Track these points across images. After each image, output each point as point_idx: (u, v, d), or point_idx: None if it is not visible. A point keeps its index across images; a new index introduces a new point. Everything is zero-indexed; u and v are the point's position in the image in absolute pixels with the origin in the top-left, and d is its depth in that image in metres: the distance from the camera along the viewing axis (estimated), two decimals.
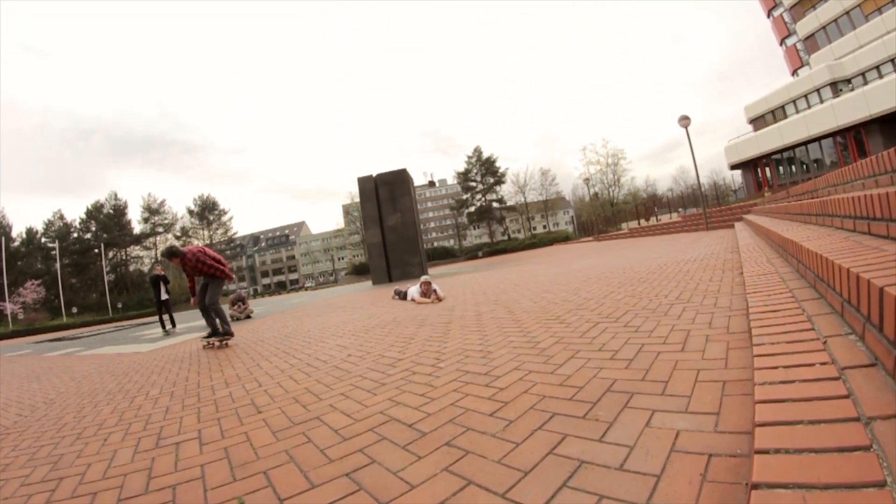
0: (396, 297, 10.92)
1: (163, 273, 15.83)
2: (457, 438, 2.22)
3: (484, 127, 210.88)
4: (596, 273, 8.89)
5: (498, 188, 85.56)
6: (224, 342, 7.83)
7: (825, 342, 1.72)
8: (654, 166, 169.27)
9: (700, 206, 27.73)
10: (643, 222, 46.18)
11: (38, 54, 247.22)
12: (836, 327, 1.87)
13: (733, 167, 47.90)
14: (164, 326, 15.36)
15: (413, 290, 10.15)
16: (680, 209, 57.82)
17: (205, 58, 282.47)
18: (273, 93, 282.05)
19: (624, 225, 55.47)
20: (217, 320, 7.39)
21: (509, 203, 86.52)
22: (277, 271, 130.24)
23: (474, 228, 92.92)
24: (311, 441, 2.56)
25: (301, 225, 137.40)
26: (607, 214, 66.35)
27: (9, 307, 57.07)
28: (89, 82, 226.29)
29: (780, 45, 47.36)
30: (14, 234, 73.99)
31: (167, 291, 15.68)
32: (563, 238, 66.77)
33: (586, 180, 58.68)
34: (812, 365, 1.53)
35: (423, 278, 10.08)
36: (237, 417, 3.30)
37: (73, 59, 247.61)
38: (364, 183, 26.88)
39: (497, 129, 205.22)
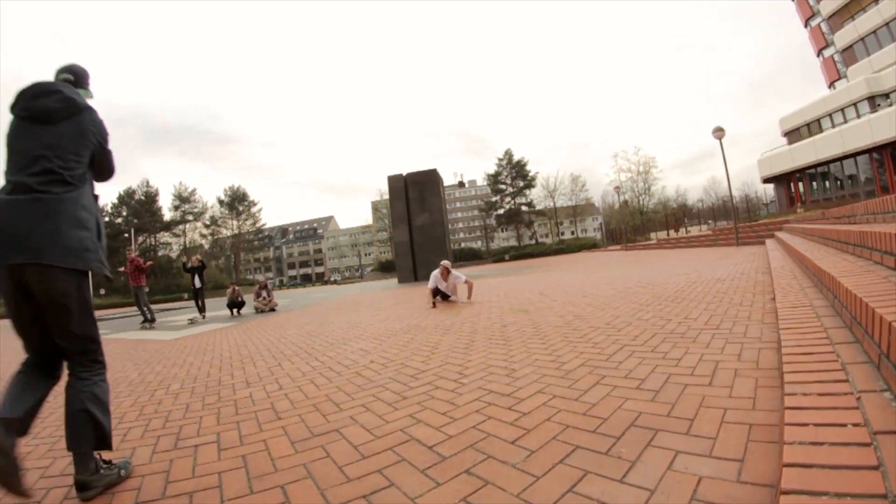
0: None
1: (200, 262, 16.48)
2: (477, 466, 2.20)
3: (516, 129, 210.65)
4: (624, 287, 8.76)
5: (527, 192, 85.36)
6: None
7: (859, 398, 1.67)
8: (685, 176, 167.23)
9: (731, 220, 27.32)
10: (672, 233, 45.51)
11: (70, 42, 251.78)
12: (872, 381, 1.81)
13: (766, 181, 46.80)
14: (200, 311, 16.13)
15: (434, 274, 10.19)
16: (710, 221, 56.95)
17: (242, 52, 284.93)
18: (306, 88, 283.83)
19: (653, 235, 54.77)
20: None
21: (538, 207, 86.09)
22: (304, 264, 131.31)
23: (502, 231, 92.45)
24: (329, 456, 2.55)
25: (329, 219, 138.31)
26: (636, 223, 65.66)
27: None
28: (126, 72, 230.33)
29: (818, 55, 46.02)
30: None
31: (202, 280, 16.29)
32: (591, 245, 66.42)
33: (617, 188, 58.14)
34: (843, 426, 1.49)
35: (444, 262, 10.11)
36: (256, 422, 3.32)
37: (105, 48, 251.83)
38: (394, 181, 27.05)
39: (529, 132, 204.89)
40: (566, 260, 36.64)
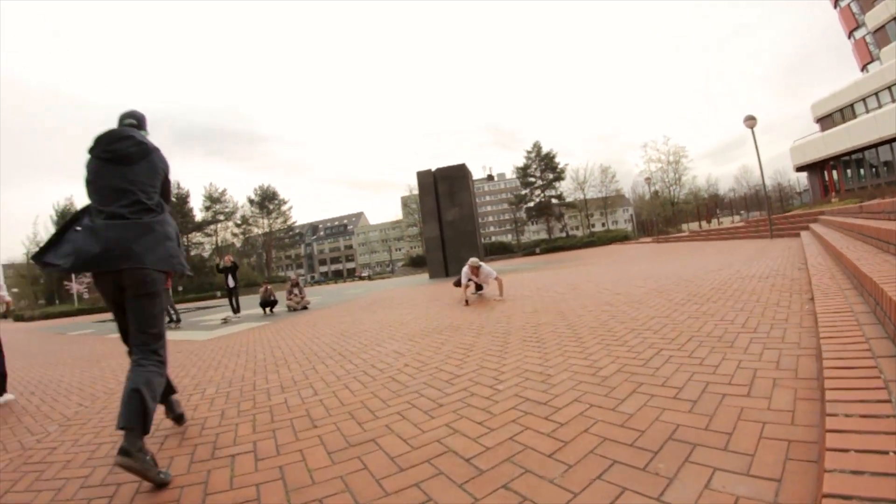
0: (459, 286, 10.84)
1: (232, 263, 16.89)
2: (514, 481, 2.20)
3: (543, 121, 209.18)
4: (657, 284, 8.65)
5: (557, 184, 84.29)
6: None
7: None
8: (716, 165, 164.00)
9: (763, 210, 26.81)
10: (704, 224, 44.87)
11: (97, 46, 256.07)
12: None
13: (799, 169, 45.41)
14: (234, 310, 16.53)
15: (464, 271, 10.18)
16: (742, 212, 56.00)
17: (269, 52, 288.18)
18: (333, 85, 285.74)
19: (684, 226, 54.07)
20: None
21: (568, 199, 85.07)
22: (335, 260, 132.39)
23: (532, 224, 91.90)
24: (366, 468, 2.58)
25: (360, 215, 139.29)
26: (667, 214, 64.85)
27: (75, 287, 61.00)
28: (154, 76, 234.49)
29: (849, 37, 44.00)
30: None
31: (235, 280, 16.65)
32: (622, 237, 65.74)
33: (647, 179, 57.40)
34: (885, 453, 1.46)
35: (471, 261, 10.08)
36: (292, 431, 3.37)
37: (135, 54, 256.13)
38: (423, 177, 27.07)
39: (557, 124, 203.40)
40: (597, 253, 36.40)
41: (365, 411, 3.58)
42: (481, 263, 10.15)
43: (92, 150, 3.22)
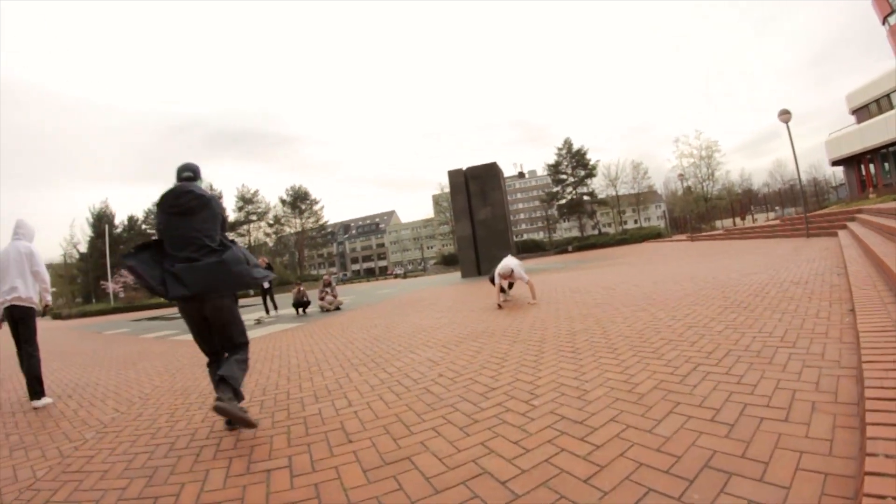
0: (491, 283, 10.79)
1: (267, 263, 16.99)
2: None
3: (573, 116, 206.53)
4: (693, 288, 8.52)
5: (589, 181, 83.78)
6: None
7: None
8: (749, 159, 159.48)
9: (798, 206, 26.23)
10: (738, 222, 44.05)
11: (130, 54, 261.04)
12: None
13: (834, 163, 43.76)
14: (267, 311, 16.86)
15: (497, 274, 10.10)
16: (777, 208, 54.80)
17: (296, 52, 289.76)
18: (362, 85, 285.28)
19: (718, 223, 53.20)
20: None
21: (600, 196, 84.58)
22: (367, 258, 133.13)
23: (564, 221, 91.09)
24: (402, 489, 2.59)
25: (391, 214, 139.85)
26: (700, 210, 63.86)
27: (111, 286, 62.22)
28: (184, 82, 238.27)
29: (882, 23, 41.39)
30: (117, 221, 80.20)
31: (269, 281, 16.79)
32: (655, 235, 64.88)
33: (681, 176, 56.58)
34: None
35: (503, 269, 9.94)
36: (327, 445, 3.40)
37: (164, 61, 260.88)
38: (454, 176, 27.14)
39: (587, 119, 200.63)
40: (630, 251, 35.98)
41: (400, 426, 3.60)
42: (514, 268, 10.03)
43: (160, 206, 3.98)
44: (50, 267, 74.60)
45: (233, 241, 4.27)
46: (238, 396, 3.91)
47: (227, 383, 3.76)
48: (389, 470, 2.86)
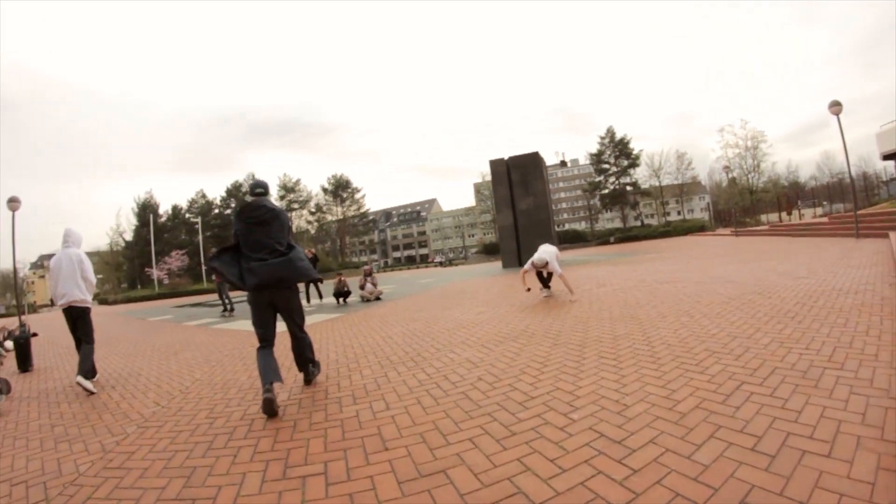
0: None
1: (314, 254, 17.51)
2: None
3: (615, 103, 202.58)
4: (739, 291, 8.22)
5: (632, 171, 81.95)
6: None
7: None
8: (795, 150, 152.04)
9: (847, 201, 25.29)
10: (784, 216, 42.87)
11: (177, 49, 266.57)
12: None
13: (886, 157, 41.81)
14: (308, 299, 17.51)
15: (533, 258, 10.09)
16: (824, 203, 53.13)
17: (336, 42, 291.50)
18: (401, 73, 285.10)
19: (763, 217, 51.93)
20: None
21: (643, 187, 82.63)
22: (408, 246, 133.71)
23: (607, 211, 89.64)
24: None
25: (432, 202, 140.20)
26: (745, 204, 62.34)
27: (155, 273, 64.91)
28: (227, 75, 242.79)
29: None
30: (161, 210, 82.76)
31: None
32: (699, 228, 63.25)
33: (726, 167, 55.35)
34: None
35: (538, 259, 9.92)
36: (363, 452, 3.37)
37: (206, 54, 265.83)
38: (496, 166, 27.04)
39: (629, 105, 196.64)
40: (673, 244, 35.28)
41: (436, 434, 3.54)
42: (550, 261, 9.93)
43: (239, 216, 4.96)
44: (97, 254, 78.50)
45: (296, 244, 5.21)
46: (317, 367, 5.60)
47: (304, 362, 5.35)
48: (424, 483, 2.81)
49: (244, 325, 13.04)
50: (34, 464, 4.09)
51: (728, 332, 5.56)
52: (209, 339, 10.76)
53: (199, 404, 5.24)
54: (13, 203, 15.99)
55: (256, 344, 5.03)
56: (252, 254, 4.87)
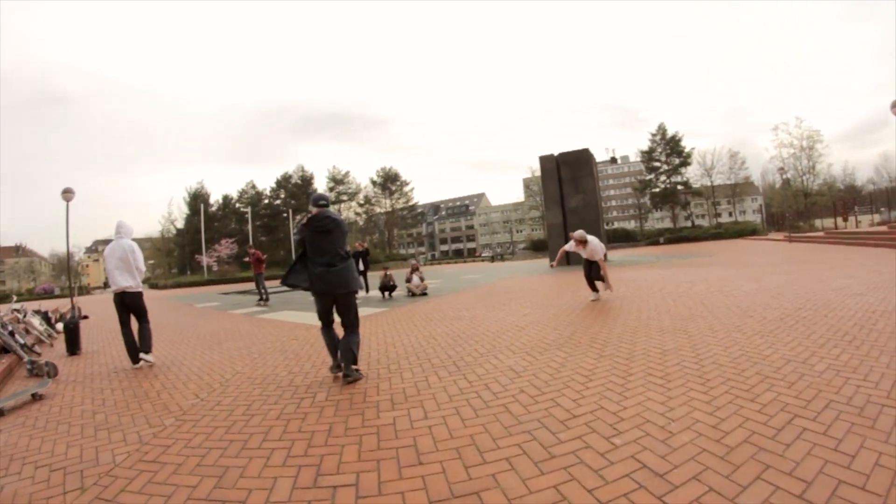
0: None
1: (365, 248, 17.88)
2: None
3: (667, 99, 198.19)
4: (793, 305, 7.79)
5: (683, 169, 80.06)
6: None
7: None
8: (851, 150, 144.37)
9: None
10: (840, 223, 41.32)
11: (225, 45, 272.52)
12: None
13: None
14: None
15: (575, 234, 10.19)
16: (882, 209, 50.90)
17: (387, 35, 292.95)
18: (449, 65, 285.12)
19: (818, 223, 50.24)
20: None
21: (694, 186, 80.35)
22: (456, 239, 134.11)
23: (657, 210, 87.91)
24: None
25: (481, 196, 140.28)
26: (799, 207, 60.45)
27: (205, 260, 67.01)
28: (276, 70, 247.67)
29: None
30: (211, 200, 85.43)
31: (366, 264, 17.53)
32: (751, 231, 61.91)
33: (781, 169, 53.78)
34: None
35: (578, 233, 10.04)
36: (397, 464, 3.28)
37: (257, 50, 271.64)
38: (546, 162, 27.02)
39: (681, 101, 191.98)
40: (724, 248, 34.48)
41: (473, 451, 3.41)
42: (589, 238, 9.98)
43: (307, 225, 5.68)
44: (149, 240, 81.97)
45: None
46: (355, 362, 5.74)
47: (347, 357, 5.60)
48: None
49: (287, 315, 13.41)
50: (74, 450, 4.19)
51: (782, 353, 5.21)
52: (253, 330, 10.87)
53: (238, 399, 5.26)
54: (67, 194, 17.34)
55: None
56: (318, 258, 5.67)
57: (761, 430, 3.36)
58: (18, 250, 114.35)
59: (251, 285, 35.71)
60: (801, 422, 3.45)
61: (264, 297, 18.29)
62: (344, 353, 5.65)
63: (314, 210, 5.80)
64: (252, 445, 3.86)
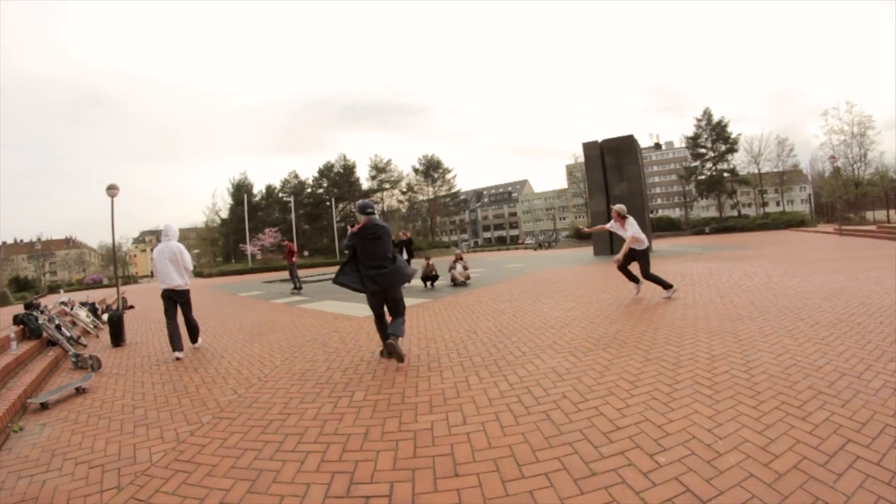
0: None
1: (408, 237, 17.80)
2: None
3: (713, 82, 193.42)
4: (845, 311, 7.20)
5: (729, 156, 76.89)
6: None
7: None
8: None
9: None
10: (894, 216, 39.46)
11: (267, 41, 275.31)
12: None
13: None
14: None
15: (617, 207, 10.12)
16: None
17: (423, 23, 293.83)
18: (491, 51, 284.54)
19: (869, 215, 48.16)
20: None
21: (741, 174, 77.25)
22: (498, 226, 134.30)
23: (703, 198, 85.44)
24: None
25: (524, 183, 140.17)
26: (850, 197, 58.09)
27: (249, 248, 68.44)
28: (318, 61, 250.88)
29: None
30: (255, 190, 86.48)
31: (410, 253, 17.18)
32: (799, 222, 59.37)
33: (832, 158, 51.93)
34: None
35: (619, 207, 9.96)
36: (432, 475, 3.18)
37: (297, 43, 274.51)
38: (589, 149, 26.78)
39: (727, 84, 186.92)
40: (772, 239, 33.25)
41: (511, 463, 3.27)
42: (629, 216, 9.80)
43: (360, 234, 6.25)
44: (194, 230, 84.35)
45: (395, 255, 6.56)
46: (400, 337, 6.27)
47: (395, 335, 6.12)
48: None
49: (328, 305, 13.45)
50: (112, 447, 4.26)
51: (835, 365, 4.82)
52: (294, 321, 10.92)
53: (275, 396, 5.26)
54: (111, 190, 18.31)
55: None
56: (368, 263, 6.28)
57: (812, 456, 3.10)
58: (69, 242, 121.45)
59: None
60: (854, 448, 3.16)
61: (298, 285, 19.81)
62: (393, 327, 6.31)
63: (363, 219, 6.35)
64: (287, 448, 3.83)
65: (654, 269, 9.80)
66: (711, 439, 3.43)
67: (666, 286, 9.58)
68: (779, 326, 6.60)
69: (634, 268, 9.89)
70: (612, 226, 10.16)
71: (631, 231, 9.65)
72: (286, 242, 22.29)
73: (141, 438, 4.39)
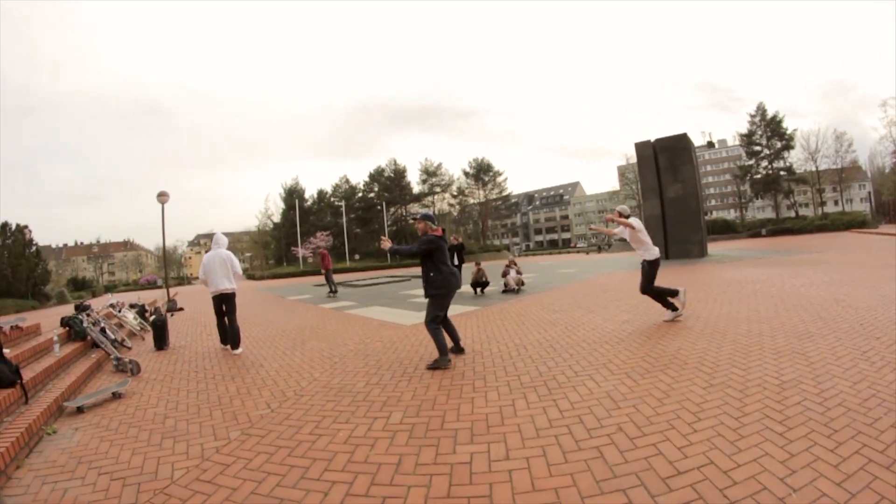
0: None
1: (460, 241, 17.53)
2: None
3: (764, 74, 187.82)
4: None
5: (785, 154, 73.71)
6: None
7: None
8: None
9: None
10: None
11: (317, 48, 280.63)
12: None
13: None
14: None
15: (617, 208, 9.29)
16: None
17: (475, 26, 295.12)
18: (541, 52, 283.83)
19: None
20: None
21: (798, 172, 73.97)
22: (550, 230, 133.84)
23: (758, 198, 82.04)
24: None
25: (575, 185, 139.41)
26: None
27: (301, 251, 70.70)
28: (366, 68, 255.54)
29: None
30: (307, 195, 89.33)
31: (461, 259, 17.09)
32: (859, 222, 57.00)
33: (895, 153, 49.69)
34: None
35: (621, 208, 9.13)
36: None
37: (348, 50, 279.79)
38: (641, 149, 26.30)
39: (779, 76, 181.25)
40: (832, 242, 31.25)
41: None
42: (635, 220, 8.78)
43: (439, 240, 6.77)
44: (247, 234, 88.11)
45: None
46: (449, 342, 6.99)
47: (457, 340, 7.21)
48: None
49: (376, 311, 13.34)
50: (137, 458, 4.21)
51: None
52: (340, 328, 10.75)
53: (309, 413, 5.03)
54: (162, 196, 19.49)
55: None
56: (448, 262, 6.93)
57: None
58: (127, 245, 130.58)
59: (345, 275, 37.50)
60: None
61: (334, 289, 21.14)
62: (453, 335, 7.19)
63: (437, 228, 7.03)
64: (312, 475, 3.58)
65: (712, 278, 9.11)
66: (784, 491, 2.89)
67: (672, 307, 8.54)
68: (852, 347, 5.87)
69: (662, 281, 8.93)
70: (619, 230, 9.18)
71: (647, 245, 8.67)
72: (321, 250, 26.34)
73: (167, 452, 4.30)
